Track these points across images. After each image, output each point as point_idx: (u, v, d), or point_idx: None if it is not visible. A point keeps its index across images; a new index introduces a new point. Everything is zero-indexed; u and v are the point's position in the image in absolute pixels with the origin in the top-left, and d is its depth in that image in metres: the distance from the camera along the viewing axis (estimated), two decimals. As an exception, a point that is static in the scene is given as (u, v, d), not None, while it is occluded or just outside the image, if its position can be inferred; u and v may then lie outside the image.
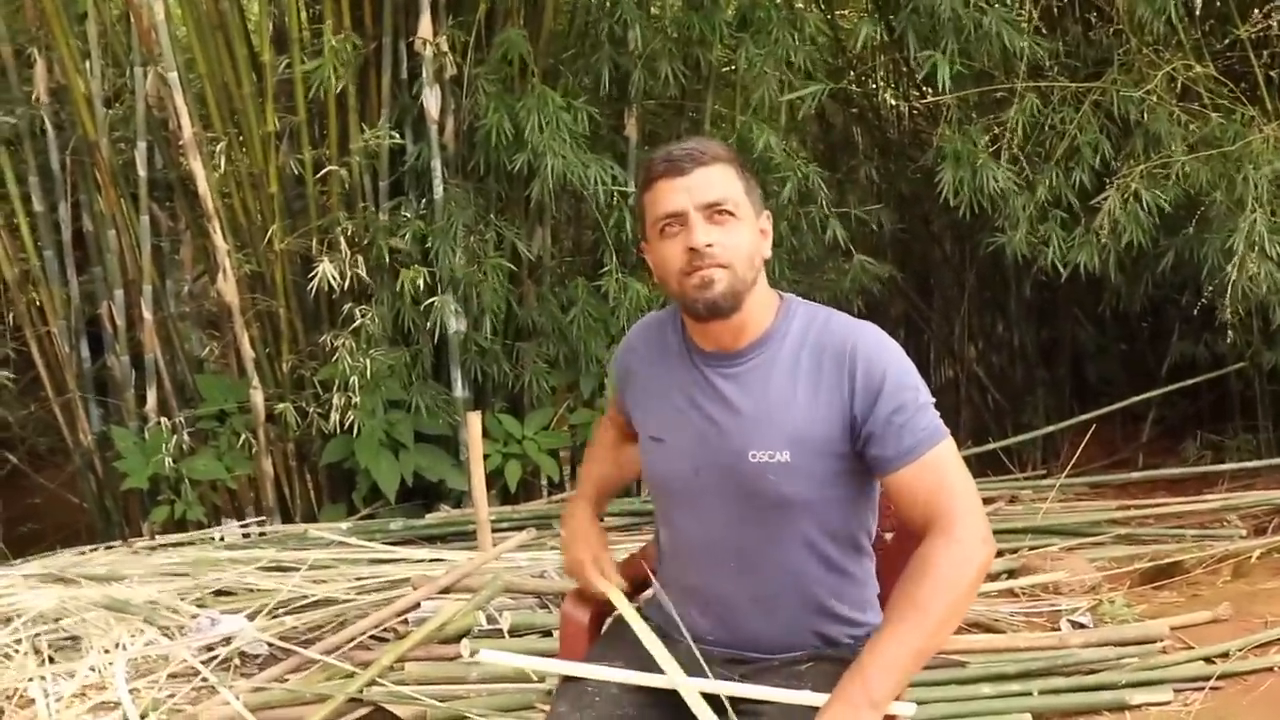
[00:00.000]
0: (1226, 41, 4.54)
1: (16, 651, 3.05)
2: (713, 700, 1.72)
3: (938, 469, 1.69)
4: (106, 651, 3.03)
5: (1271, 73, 4.54)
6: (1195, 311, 4.75)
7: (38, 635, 3.12)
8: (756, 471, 1.72)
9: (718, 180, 1.71)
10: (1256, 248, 4.00)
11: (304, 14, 4.46)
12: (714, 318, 1.73)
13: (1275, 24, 4.40)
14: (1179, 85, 4.27)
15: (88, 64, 4.24)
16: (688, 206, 1.70)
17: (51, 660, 3.04)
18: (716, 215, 1.70)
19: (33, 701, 2.83)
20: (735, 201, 1.71)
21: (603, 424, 2.12)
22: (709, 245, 1.68)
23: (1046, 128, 4.33)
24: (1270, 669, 3.09)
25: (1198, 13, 4.50)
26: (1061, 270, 4.35)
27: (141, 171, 4.26)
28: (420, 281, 4.15)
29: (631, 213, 4.37)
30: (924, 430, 1.69)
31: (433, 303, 4.23)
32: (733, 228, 1.71)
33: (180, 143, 4.12)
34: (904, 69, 5.62)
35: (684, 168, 1.70)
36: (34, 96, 4.29)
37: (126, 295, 4.41)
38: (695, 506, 1.76)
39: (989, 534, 1.68)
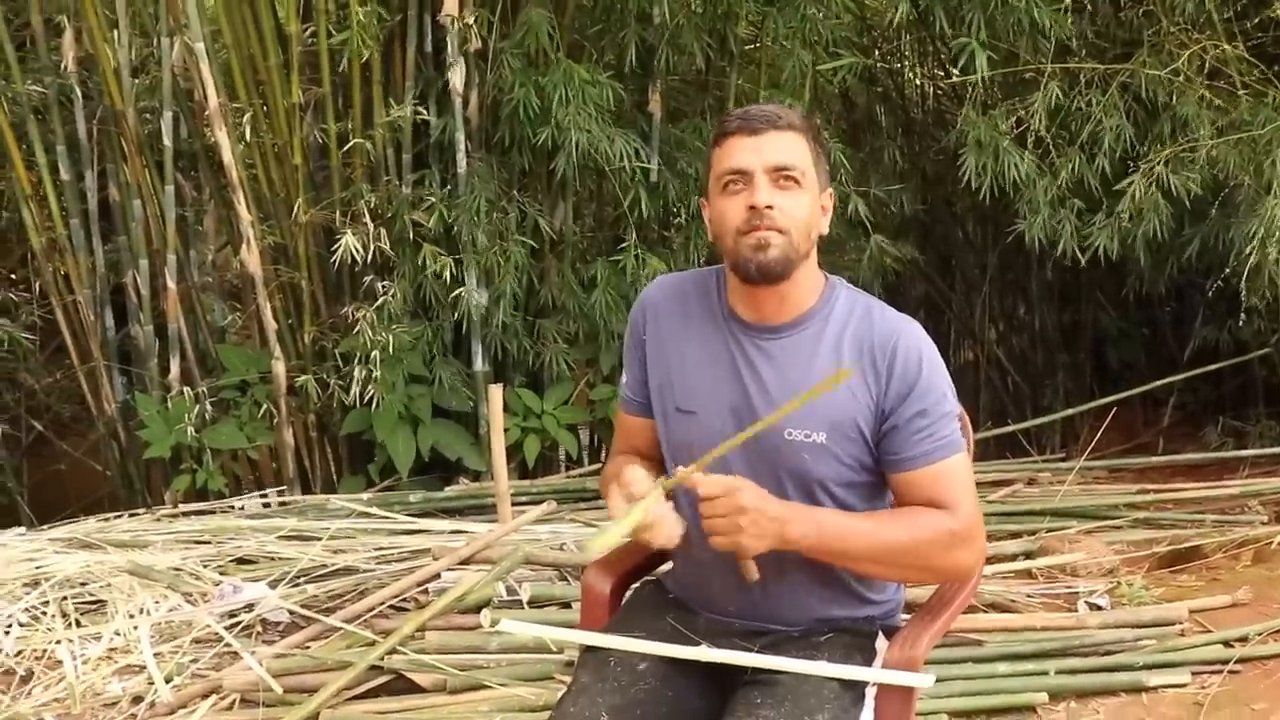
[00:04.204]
0: (1259, 20, 4.49)
1: (44, 614, 3.09)
2: (732, 670, 1.74)
3: (949, 479, 1.73)
4: (131, 616, 3.08)
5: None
6: (1219, 297, 4.72)
7: (64, 599, 3.16)
8: (792, 450, 1.72)
9: (788, 147, 1.72)
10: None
11: (330, -15, 4.46)
12: (763, 281, 1.73)
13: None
14: (1208, 67, 4.22)
15: (115, 33, 4.25)
16: (755, 166, 1.70)
17: (78, 623, 3.08)
18: (782, 180, 1.70)
19: (60, 663, 2.88)
20: (802, 170, 1.72)
21: (611, 468, 1.93)
22: (769, 207, 1.69)
23: (1072, 109, 4.30)
24: (1290, 654, 3.09)
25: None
26: (1080, 256, 4.33)
27: (167, 141, 4.27)
28: (444, 266, 4.16)
29: (650, 191, 4.36)
30: (944, 439, 1.72)
31: (458, 291, 4.24)
32: (796, 195, 1.71)
33: (206, 113, 4.13)
34: (930, 48, 5.59)
35: (757, 128, 1.71)
36: (62, 66, 4.30)
37: (151, 265, 4.43)
38: None
39: (983, 554, 1.77)
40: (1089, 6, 4.72)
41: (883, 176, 5.20)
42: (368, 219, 4.18)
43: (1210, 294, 4.67)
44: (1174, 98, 4.21)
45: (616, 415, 2.01)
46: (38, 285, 4.66)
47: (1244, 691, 2.92)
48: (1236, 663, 3.02)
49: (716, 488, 1.61)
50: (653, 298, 1.91)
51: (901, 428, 1.71)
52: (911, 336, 1.75)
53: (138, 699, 2.80)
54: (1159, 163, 4.14)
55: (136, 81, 4.35)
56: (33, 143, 4.36)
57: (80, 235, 4.45)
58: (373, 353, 4.15)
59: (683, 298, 1.88)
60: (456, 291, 4.26)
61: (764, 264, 1.71)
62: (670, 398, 1.84)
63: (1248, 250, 4.01)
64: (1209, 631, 3.19)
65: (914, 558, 1.70)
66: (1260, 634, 3.16)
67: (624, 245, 4.36)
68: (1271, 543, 3.89)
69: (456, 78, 4.20)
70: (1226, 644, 3.11)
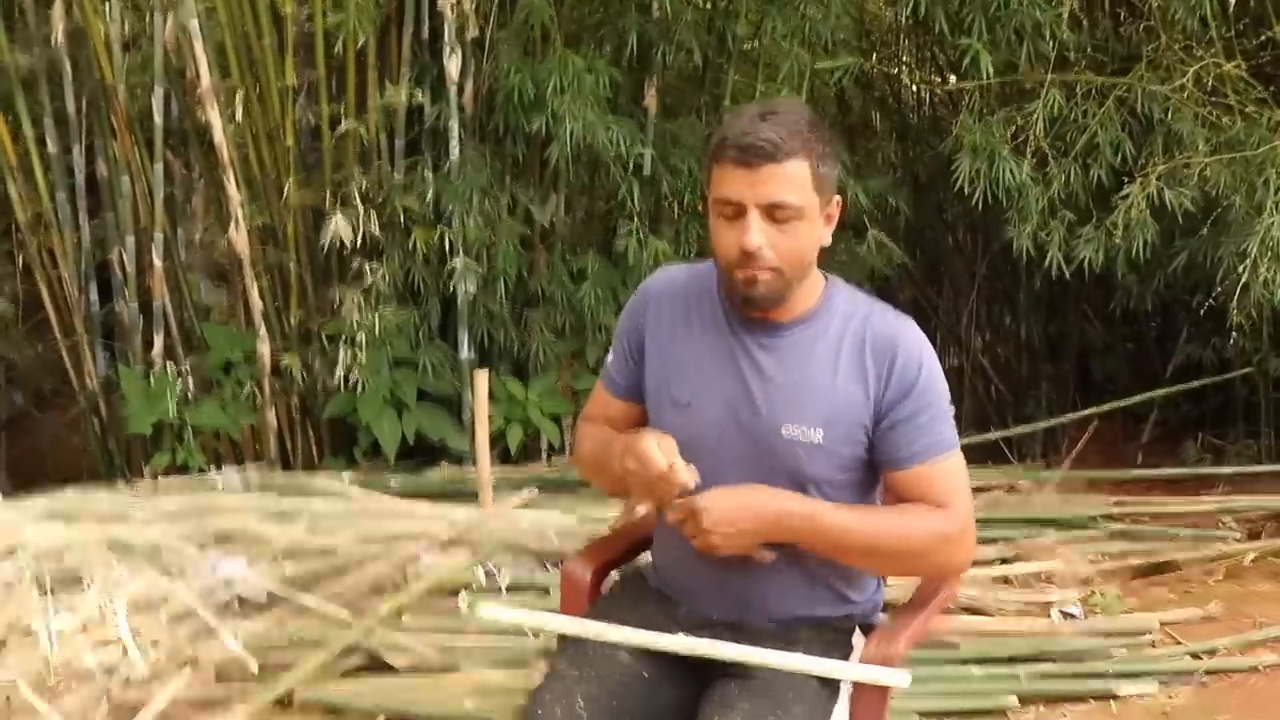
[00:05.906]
0: (1260, 40, 4.50)
1: (19, 584, 3.07)
2: (710, 663, 1.74)
3: (944, 477, 1.74)
4: (108, 589, 3.06)
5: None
6: (1204, 315, 4.74)
7: (41, 570, 3.14)
8: (786, 447, 1.73)
9: (786, 180, 1.65)
10: (1270, 253, 3.98)
11: (328, -33, 4.44)
12: (753, 312, 1.75)
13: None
14: (1208, 84, 4.23)
15: (107, 7, 4.20)
16: (748, 203, 1.66)
17: (53, 594, 3.06)
18: (777, 214, 1.66)
19: (35, 633, 2.86)
20: (799, 206, 1.66)
21: (586, 430, 2.00)
22: (760, 248, 1.66)
23: (1069, 120, 4.31)
24: (1256, 669, 3.12)
25: (1231, 11, 4.47)
26: (1065, 269, 4.35)
27: (157, 119, 4.24)
28: (437, 241, 4.14)
29: (643, 183, 4.36)
30: (940, 437, 1.74)
31: (451, 265, 4.22)
32: (791, 229, 1.67)
33: (197, 92, 4.11)
34: (928, 53, 5.60)
35: (753, 162, 1.64)
36: (52, 38, 4.25)
37: (137, 242, 4.40)
38: (711, 474, 1.73)
39: (972, 552, 1.78)
40: (1086, 21, 4.73)
41: (876, 179, 5.19)
42: (358, 202, 4.16)
43: (1195, 311, 4.68)
44: (1169, 113, 4.22)
45: (596, 386, 2.02)
46: (21, 259, 4.62)
47: (1211, 703, 2.95)
48: (1205, 675, 3.05)
49: (681, 512, 1.67)
50: (655, 289, 1.91)
51: (900, 426, 1.72)
52: (911, 337, 1.77)
53: (112, 671, 2.78)
54: (1154, 176, 4.14)
55: (127, 57, 4.31)
56: (20, 115, 4.32)
57: (66, 210, 4.40)
58: (359, 335, 4.14)
59: (684, 291, 1.87)
60: (450, 265, 4.23)
61: (751, 298, 1.72)
62: (666, 391, 1.84)
63: (1239, 269, 4.02)
64: (1179, 644, 3.22)
65: (907, 555, 1.72)
66: (1229, 648, 3.19)
67: (627, 229, 4.35)
68: (1244, 559, 3.93)
69: (453, 65, 4.19)
70: (1195, 656, 3.14)
